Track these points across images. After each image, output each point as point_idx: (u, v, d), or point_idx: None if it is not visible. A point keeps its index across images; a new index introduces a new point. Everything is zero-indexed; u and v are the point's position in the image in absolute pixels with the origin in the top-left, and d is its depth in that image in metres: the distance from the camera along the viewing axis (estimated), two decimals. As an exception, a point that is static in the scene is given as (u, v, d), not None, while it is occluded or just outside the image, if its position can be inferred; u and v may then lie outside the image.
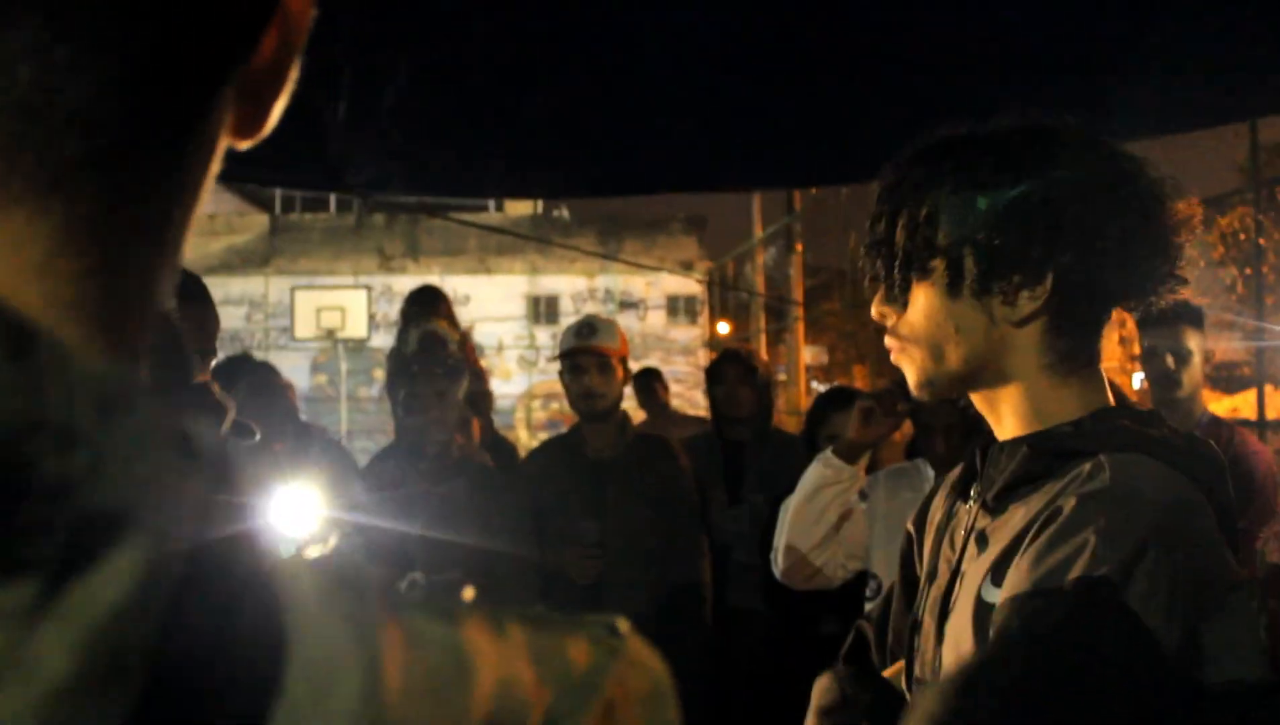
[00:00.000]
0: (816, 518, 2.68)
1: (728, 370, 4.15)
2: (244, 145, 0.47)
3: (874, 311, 1.25)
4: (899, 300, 1.23)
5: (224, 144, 0.45)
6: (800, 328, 11.72)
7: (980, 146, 1.19)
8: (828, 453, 2.71)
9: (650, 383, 6.23)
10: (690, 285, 19.97)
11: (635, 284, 20.63)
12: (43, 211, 0.37)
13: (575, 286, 20.57)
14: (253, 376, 3.58)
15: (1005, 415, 1.22)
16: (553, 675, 0.37)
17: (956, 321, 1.18)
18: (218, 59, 0.41)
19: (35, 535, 0.26)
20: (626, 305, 20.47)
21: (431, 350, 2.87)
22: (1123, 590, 0.98)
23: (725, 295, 17.88)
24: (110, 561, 0.27)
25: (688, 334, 20.39)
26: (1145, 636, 0.97)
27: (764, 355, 15.02)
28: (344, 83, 3.27)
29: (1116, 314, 1.25)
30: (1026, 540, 1.09)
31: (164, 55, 0.39)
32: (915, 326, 1.21)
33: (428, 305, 4.46)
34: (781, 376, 14.22)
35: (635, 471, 3.45)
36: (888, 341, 1.26)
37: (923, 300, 1.20)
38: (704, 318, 20.28)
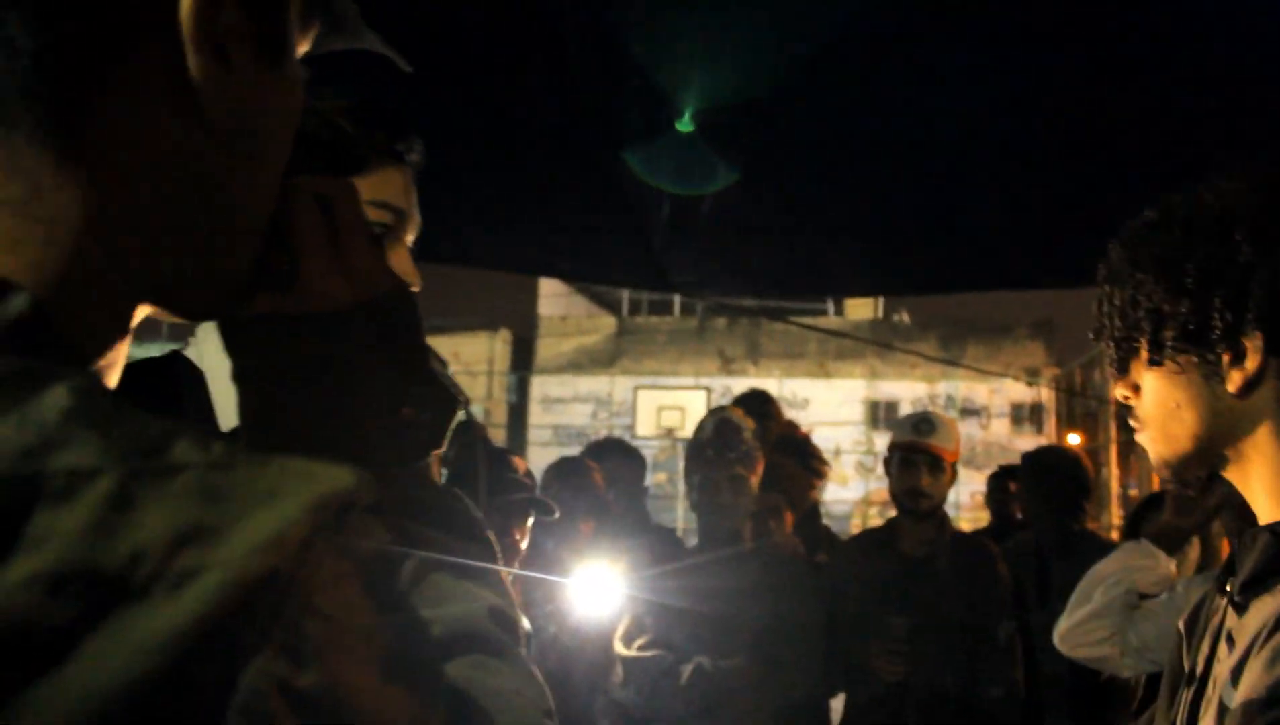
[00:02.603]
0: (1103, 588, 2.61)
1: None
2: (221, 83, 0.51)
3: (1118, 393, 1.25)
4: (1129, 382, 1.23)
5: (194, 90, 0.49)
6: (1153, 438, 11.01)
7: (1169, 219, 1.17)
8: (1143, 538, 2.70)
9: (1005, 486, 6.13)
10: (1036, 393, 19.21)
11: (978, 391, 20.08)
12: None
13: (915, 392, 20.23)
14: (559, 463, 3.83)
15: (1258, 496, 1.14)
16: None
17: (1179, 399, 1.16)
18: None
19: None
20: (968, 412, 19.93)
21: (725, 437, 2.94)
22: None
23: (1073, 403, 17.06)
24: None
25: (1032, 443, 19.43)
26: None
27: (1115, 467, 14.15)
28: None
29: None
30: (1261, 638, 1.00)
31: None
32: (1146, 406, 1.21)
33: (756, 408, 4.55)
34: (1133, 491, 13.37)
35: (950, 571, 3.37)
36: (1131, 422, 1.25)
37: (1149, 380, 1.19)
38: (1050, 426, 19.41)
